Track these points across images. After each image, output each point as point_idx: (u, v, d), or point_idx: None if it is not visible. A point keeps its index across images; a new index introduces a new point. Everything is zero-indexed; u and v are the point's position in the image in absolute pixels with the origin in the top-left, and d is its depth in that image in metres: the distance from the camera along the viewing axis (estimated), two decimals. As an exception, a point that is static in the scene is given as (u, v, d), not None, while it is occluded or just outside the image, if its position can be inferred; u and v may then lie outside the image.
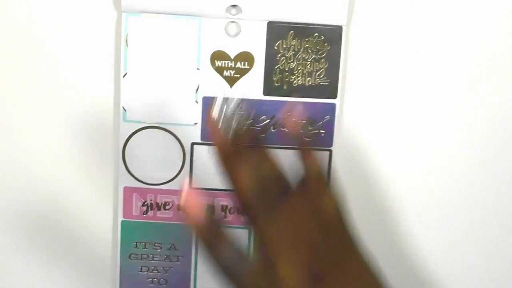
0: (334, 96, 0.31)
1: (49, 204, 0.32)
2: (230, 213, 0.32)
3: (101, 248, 0.33)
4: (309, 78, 0.31)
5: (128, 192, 0.32)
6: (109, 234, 0.33)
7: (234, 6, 0.29)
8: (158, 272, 0.33)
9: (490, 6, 0.30)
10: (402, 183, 0.33)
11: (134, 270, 0.33)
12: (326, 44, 0.30)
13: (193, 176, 0.32)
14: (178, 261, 0.33)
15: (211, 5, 0.29)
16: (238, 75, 0.31)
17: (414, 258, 0.34)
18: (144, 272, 0.33)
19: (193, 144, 0.31)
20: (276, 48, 0.30)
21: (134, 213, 0.32)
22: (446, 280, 0.34)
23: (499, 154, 0.33)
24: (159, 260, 0.33)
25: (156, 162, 0.31)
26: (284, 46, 0.30)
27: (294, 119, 0.30)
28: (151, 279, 0.33)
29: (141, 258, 0.33)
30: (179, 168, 0.32)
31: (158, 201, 0.32)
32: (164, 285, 0.33)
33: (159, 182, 0.32)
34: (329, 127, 0.31)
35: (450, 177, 0.33)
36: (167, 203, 0.32)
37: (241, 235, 0.32)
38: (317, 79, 0.31)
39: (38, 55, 0.31)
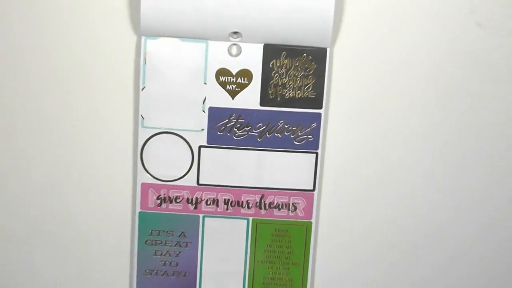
0: (320, 107, 0.32)
1: (75, 197, 0.35)
2: (232, 206, 0.34)
3: (121, 235, 0.35)
4: (298, 92, 0.32)
5: (145, 187, 0.33)
6: (128, 223, 0.35)
7: (235, 32, 0.31)
8: (170, 256, 0.34)
9: (465, 31, 0.31)
10: (381, 180, 0.34)
11: (149, 254, 0.34)
12: (313, 63, 0.31)
13: (200, 173, 0.33)
14: (187, 247, 0.34)
15: (217, 31, 0.31)
16: (239, 89, 0.32)
17: (403, 257, 0.35)
18: (158, 255, 0.34)
19: (200, 147, 0.33)
20: (271, 66, 0.32)
21: (149, 205, 0.33)
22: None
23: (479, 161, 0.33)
24: (171, 246, 0.34)
25: (169, 162, 0.33)
26: (278, 64, 0.32)
27: None
28: (163, 261, 0.34)
29: (155, 244, 0.34)
30: (188, 167, 0.33)
31: (170, 195, 0.33)
32: (175, 267, 0.34)
33: (171, 179, 0.33)
34: (316, 133, 0.32)
35: (430, 179, 0.34)
36: (178, 197, 0.33)
37: (240, 225, 0.34)
38: (306, 92, 0.32)
39: (71, 71, 0.33)
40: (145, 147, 0.33)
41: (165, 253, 0.34)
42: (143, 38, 0.31)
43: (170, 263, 0.35)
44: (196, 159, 0.33)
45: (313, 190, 0.34)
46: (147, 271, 0.34)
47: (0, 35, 0.32)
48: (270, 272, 0.35)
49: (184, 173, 0.33)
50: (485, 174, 0.33)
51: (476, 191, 0.34)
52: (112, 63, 0.32)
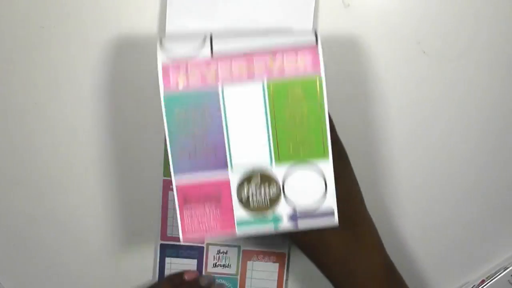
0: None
1: (124, 149, 0.37)
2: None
3: (153, 173, 0.36)
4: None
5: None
6: (160, 170, 0.37)
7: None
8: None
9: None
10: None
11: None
12: None
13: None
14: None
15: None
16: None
17: (391, 228, 0.36)
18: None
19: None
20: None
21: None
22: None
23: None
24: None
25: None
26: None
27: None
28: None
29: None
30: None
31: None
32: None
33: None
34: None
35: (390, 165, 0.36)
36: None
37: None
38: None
39: (119, 67, 0.36)
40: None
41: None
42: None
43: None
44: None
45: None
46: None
47: (53, 43, 0.36)
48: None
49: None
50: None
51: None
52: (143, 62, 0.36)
